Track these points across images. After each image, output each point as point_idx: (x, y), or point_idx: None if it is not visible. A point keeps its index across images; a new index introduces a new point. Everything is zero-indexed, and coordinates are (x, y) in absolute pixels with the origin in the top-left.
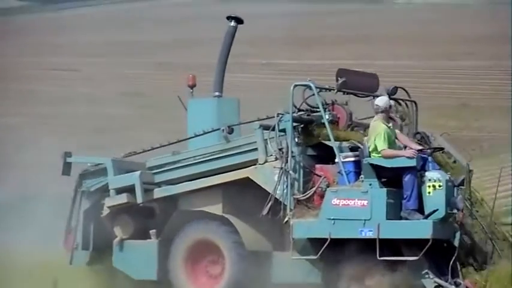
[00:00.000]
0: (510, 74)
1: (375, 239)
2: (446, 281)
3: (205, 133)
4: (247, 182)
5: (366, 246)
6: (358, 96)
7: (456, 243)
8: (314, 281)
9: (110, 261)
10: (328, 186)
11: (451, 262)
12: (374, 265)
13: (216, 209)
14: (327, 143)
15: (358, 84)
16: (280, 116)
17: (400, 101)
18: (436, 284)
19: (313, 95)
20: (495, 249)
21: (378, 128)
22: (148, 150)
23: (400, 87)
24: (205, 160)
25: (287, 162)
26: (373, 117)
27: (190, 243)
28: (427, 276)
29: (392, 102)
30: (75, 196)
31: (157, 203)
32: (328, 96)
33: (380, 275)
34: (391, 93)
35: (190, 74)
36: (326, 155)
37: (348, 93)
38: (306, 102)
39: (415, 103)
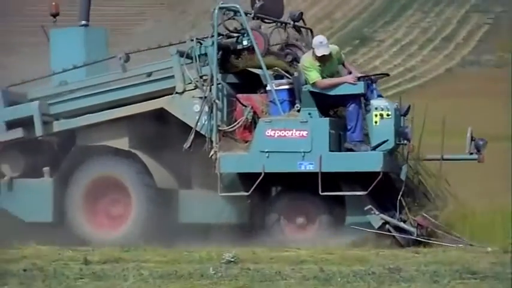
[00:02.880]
0: None
1: (311, 173)
2: (392, 217)
3: (95, 62)
4: (157, 114)
5: (299, 181)
6: (267, 23)
7: (403, 176)
8: (239, 221)
9: None
10: (254, 117)
11: (399, 197)
12: (309, 202)
13: (122, 143)
14: (254, 70)
15: (268, 8)
16: (200, 40)
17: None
18: (383, 221)
19: (230, 19)
20: (423, 185)
21: (304, 62)
22: (29, 81)
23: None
24: (109, 90)
25: (211, 90)
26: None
27: (90, 181)
28: (372, 212)
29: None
30: None
31: (54, 138)
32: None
33: (317, 213)
34: (297, 19)
35: (52, 2)
36: (246, 84)
37: (262, 19)
38: (225, 26)
39: (311, 30)
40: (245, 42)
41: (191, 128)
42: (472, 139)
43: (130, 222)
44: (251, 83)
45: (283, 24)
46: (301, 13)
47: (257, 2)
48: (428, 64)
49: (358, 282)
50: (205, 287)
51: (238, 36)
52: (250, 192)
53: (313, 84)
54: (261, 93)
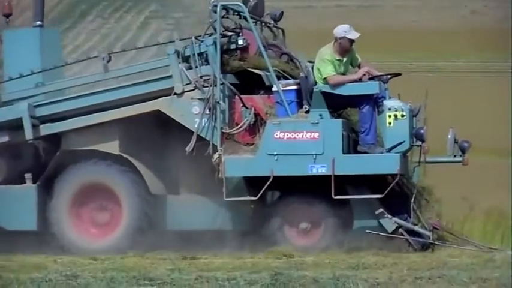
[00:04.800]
0: None
1: (318, 176)
2: (405, 221)
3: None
4: (149, 115)
5: (306, 184)
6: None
7: (416, 179)
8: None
9: None
10: (256, 119)
11: (412, 200)
12: (316, 206)
13: (112, 147)
14: (255, 71)
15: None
16: (201, 39)
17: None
18: (397, 225)
19: (224, 17)
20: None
21: (323, 55)
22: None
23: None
24: (101, 91)
25: (214, 91)
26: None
27: (77, 188)
28: (385, 216)
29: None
30: None
31: (39, 142)
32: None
33: (327, 216)
34: (278, 19)
35: (5, 2)
36: (243, 85)
37: (255, 19)
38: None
39: (283, 30)
40: (240, 42)
41: (186, 130)
42: (456, 141)
43: (121, 231)
44: (249, 84)
45: (263, 24)
46: (282, 12)
47: (251, 0)
48: None
49: None
50: None
51: (231, 36)
52: (258, 196)
53: (325, 79)
54: (261, 94)
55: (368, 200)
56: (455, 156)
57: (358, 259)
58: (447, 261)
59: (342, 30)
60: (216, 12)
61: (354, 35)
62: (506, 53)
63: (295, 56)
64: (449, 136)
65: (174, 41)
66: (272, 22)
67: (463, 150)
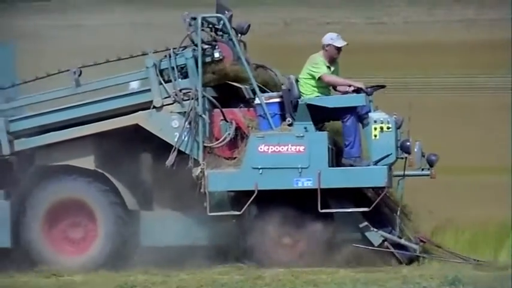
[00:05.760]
0: None
1: (301, 190)
2: (390, 234)
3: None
4: (125, 130)
5: (289, 199)
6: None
7: (401, 191)
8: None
9: None
10: (237, 133)
11: (398, 213)
12: (299, 220)
13: (87, 162)
14: (235, 84)
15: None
16: (179, 50)
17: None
18: (383, 238)
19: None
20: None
21: (315, 59)
22: None
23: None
24: (77, 105)
25: (197, 104)
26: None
27: (51, 204)
28: (371, 229)
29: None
30: None
31: (13, 158)
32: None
33: (308, 230)
34: (244, 32)
35: None
36: (223, 98)
37: (225, 32)
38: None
39: (245, 44)
40: (217, 55)
41: (163, 144)
42: (423, 154)
43: (96, 248)
44: (227, 97)
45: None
46: (249, 25)
47: (226, 12)
48: None
49: None
50: None
51: (205, 49)
52: (242, 211)
53: (319, 79)
54: (241, 107)
55: (352, 214)
56: (422, 169)
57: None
58: (216, 279)
59: (329, 37)
60: (190, 25)
61: (340, 43)
62: None
63: (270, 68)
64: (415, 149)
65: (147, 54)
66: (239, 35)
67: (431, 164)
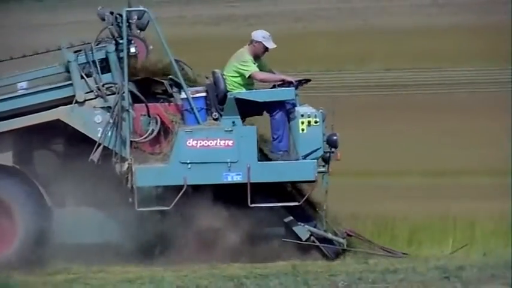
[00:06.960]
0: None
1: (228, 185)
2: (315, 228)
3: None
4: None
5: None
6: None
7: (325, 186)
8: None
9: None
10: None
11: (324, 208)
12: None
13: (5, 158)
14: (158, 79)
15: None
16: (102, 44)
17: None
18: (310, 233)
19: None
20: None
21: (243, 56)
22: None
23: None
24: None
25: (123, 99)
26: None
27: None
28: (298, 224)
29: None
30: None
31: None
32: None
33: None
34: (144, 28)
35: None
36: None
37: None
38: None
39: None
40: (133, 50)
41: (85, 140)
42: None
43: (14, 246)
44: (146, 92)
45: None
46: (148, 22)
47: (140, 6)
48: None
49: None
50: None
51: (119, 44)
52: (171, 206)
53: (250, 77)
54: (161, 102)
55: (277, 209)
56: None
57: None
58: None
59: (261, 35)
60: (104, 19)
61: (271, 44)
62: None
63: (185, 63)
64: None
65: (61, 49)
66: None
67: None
